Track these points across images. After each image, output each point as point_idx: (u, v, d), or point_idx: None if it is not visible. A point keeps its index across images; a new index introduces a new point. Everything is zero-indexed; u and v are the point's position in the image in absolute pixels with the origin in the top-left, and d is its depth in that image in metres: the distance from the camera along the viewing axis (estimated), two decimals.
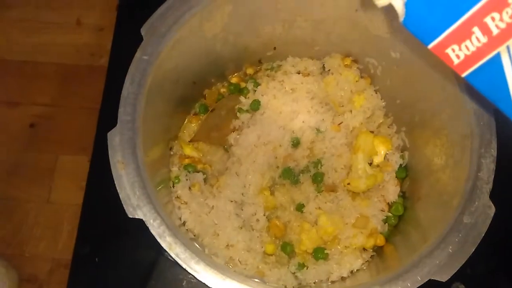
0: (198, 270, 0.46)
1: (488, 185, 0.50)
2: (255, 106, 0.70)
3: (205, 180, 0.67)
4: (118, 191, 0.48)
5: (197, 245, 0.61)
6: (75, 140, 0.77)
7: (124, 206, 0.48)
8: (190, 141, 0.70)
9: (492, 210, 0.49)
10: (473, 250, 0.47)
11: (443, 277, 0.45)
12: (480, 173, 0.50)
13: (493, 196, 0.50)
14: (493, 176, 0.50)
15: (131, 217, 0.47)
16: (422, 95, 0.63)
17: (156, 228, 0.47)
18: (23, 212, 0.72)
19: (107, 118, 0.76)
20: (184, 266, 0.46)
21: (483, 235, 0.48)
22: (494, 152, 0.51)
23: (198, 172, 0.68)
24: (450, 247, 0.47)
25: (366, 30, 0.64)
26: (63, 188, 0.75)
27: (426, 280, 0.46)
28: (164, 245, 0.47)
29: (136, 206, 0.48)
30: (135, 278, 0.65)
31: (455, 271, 0.45)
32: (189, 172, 0.68)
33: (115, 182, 0.48)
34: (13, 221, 0.72)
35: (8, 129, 0.77)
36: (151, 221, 0.47)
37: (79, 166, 0.75)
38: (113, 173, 0.49)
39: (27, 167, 0.75)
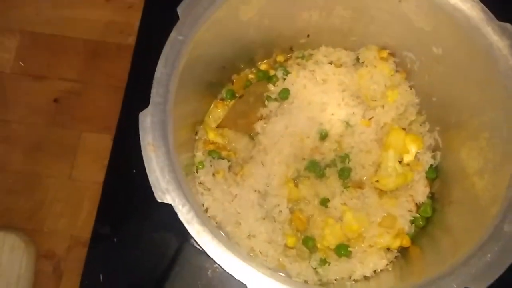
0: (226, 260, 0.44)
1: None
2: (284, 95, 0.69)
3: (229, 167, 0.66)
4: (148, 174, 0.47)
5: (222, 234, 0.59)
6: (99, 117, 0.76)
7: (153, 189, 0.46)
8: (217, 126, 0.69)
9: None
10: None
11: (480, 286, 0.44)
12: None
13: None
14: None
15: (159, 201, 0.46)
16: (461, 95, 0.61)
17: (185, 214, 0.46)
18: (44, 188, 0.72)
19: (132, 97, 0.75)
20: (211, 255, 0.45)
21: None
22: None
23: (222, 159, 0.66)
24: (489, 255, 0.45)
25: (408, 22, 0.61)
26: (85, 166, 0.74)
27: None
28: (192, 232, 0.45)
29: (165, 190, 0.46)
30: (153, 262, 0.64)
31: (493, 281, 0.44)
32: (213, 158, 0.66)
33: (145, 165, 0.47)
34: (34, 196, 0.71)
35: (33, 103, 0.76)
36: (180, 206, 0.46)
37: (102, 145, 0.74)
38: (143, 155, 0.47)
39: (50, 142, 0.74)
